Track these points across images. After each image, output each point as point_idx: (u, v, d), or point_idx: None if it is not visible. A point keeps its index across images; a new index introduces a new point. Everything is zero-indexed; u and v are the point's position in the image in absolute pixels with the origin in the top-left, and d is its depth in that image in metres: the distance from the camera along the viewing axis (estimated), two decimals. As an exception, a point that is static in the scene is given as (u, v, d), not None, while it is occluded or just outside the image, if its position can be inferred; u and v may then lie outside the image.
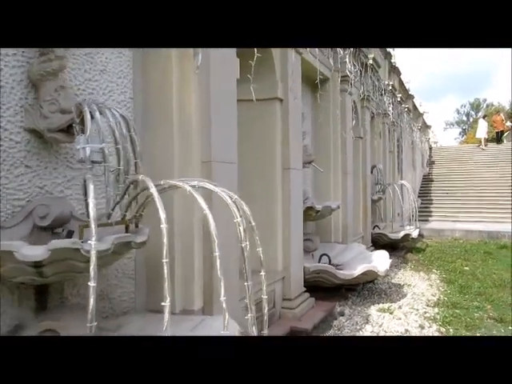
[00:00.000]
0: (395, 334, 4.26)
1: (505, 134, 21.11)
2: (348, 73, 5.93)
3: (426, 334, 4.31)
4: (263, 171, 4.08)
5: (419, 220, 14.39)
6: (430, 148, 23.18)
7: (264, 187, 4.08)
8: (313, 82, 5.94)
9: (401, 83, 13.44)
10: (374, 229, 8.61)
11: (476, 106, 49.57)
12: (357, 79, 6.39)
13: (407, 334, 4.31)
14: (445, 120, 53.17)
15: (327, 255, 5.25)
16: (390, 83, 9.38)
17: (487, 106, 47.70)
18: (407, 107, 12.09)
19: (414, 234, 8.50)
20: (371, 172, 8.65)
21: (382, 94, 8.66)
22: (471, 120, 48.84)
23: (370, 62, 7.24)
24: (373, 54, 7.35)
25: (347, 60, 5.87)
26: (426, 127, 23.35)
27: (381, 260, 5.27)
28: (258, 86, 4.02)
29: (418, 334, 4.31)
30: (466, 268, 7.52)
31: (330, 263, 5.22)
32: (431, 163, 20.62)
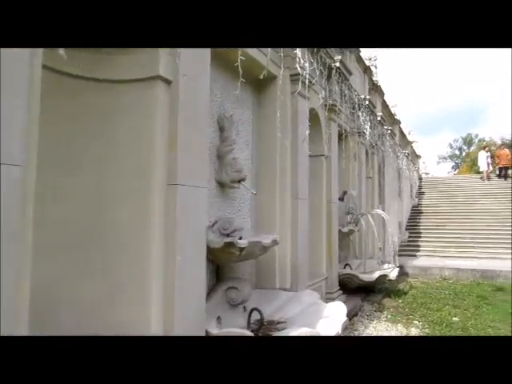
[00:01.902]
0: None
1: (510, 171, 18.82)
2: (299, 69, 4.62)
3: None
4: (132, 187, 2.67)
5: (406, 255, 12.97)
6: (420, 178, 21.96)
7: (132, 212, 2.66)
8: (254, 80, 4.64)
9: (385, 105, 12.27)
10: (345, 267, 7.15)
11: (468, 141, 51.81)
12: (315, 80, 5.08)
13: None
14: (438, 154, 54.17)
15: (258, 310, 3.77)
16: (367, 97, 8.12)
17: (479, 140, 49.35)
18: (390, 129, 10.84)
19: (392, 274, 7.04)
20: (341, 199, 7.27)
21: (354, 108, 7.38)
22: (464, 154, 50.29)
23: (337, 64, 5.97)
24: (340, 56, 6.09)
25: (297, 52, 4.57)
26: (415, 156, 22.24)
27: (332, 318, 3.80)
28: (129, 61, 2.68)
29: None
30: (456, 318, 6.04)
31: (261, 321, 3.75)
32: (421, 194, 19.36)
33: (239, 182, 4.07)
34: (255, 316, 3.90)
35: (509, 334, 5.46)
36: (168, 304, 2.66)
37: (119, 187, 2.65)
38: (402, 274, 10.11)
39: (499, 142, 31.10)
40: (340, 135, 7.15)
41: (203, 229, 3.03)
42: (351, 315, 5.86)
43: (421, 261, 11.73)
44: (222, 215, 4.12)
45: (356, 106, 7.34)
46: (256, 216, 4.74)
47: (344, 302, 6.30)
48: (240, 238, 3.73)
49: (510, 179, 18.15)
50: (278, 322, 4.08)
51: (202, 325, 2.93)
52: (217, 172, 4.05)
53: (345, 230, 6.87)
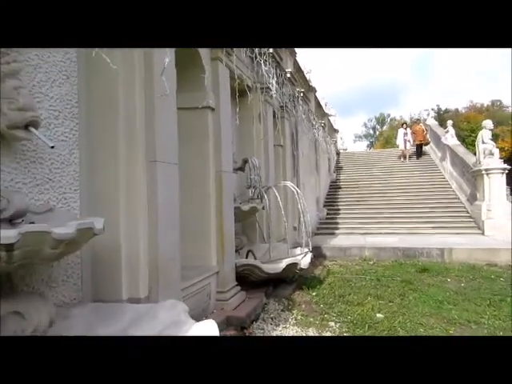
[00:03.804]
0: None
1: (425, 149, 18.12)
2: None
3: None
4: None
5: (324, 234, 11.93)
6: (338, 153, 21.32)
7: None
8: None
9: (297, 67, 10.91)
10: (247, 255, 5.68)
11: (381, 121, 54.01)
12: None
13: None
14: (354, 133, 56.59)
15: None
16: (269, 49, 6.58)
17: (391, 120, 52.39)
18: (303, 92, 9.50)
19: (304, 262, 5.66)
20: (241, 169, 5.76)
21: (253, 53, 5.81)
22: (377, 133, 53.35)
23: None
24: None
25: None
26: (333, 131, 21.53)
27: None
28: None
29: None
30: (380, 315, 4.82)
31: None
32: (339, 169, 18.64)
33: (26, 128, 2.33)
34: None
35: (443, 330, 4.34)
36: None
37: None
38: (320, 256, 8.97)
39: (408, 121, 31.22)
40: (239, 89, 5.59)
41: None
42: (250, 321, 4.40)
43: (340, 240, 10.71)
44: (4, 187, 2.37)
45: (255, 50, 5.78)
46: (90, 189, 3.03)
47: (243, 301, 4.84)
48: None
49: (425, 156, 17.69)
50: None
51: None
52: (-16, 110, 2.27)
53: (245, 207, 5.37)
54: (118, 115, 3.02)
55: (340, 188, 15.89)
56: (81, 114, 3.00)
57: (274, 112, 7.37)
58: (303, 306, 5.20)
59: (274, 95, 6.74)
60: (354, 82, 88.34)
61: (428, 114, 21.47)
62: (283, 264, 5.12)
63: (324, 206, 14.20)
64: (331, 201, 14.69)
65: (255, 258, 5.54)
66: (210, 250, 4.45)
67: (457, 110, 38.94)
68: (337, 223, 12.75)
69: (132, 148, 3.07)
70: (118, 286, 3.00)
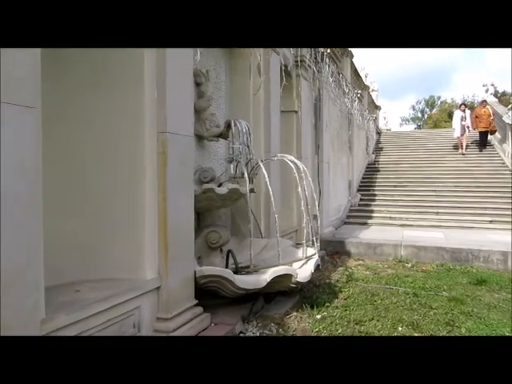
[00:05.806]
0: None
1: (489, 138, 14.22)
2: None
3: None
4: None
5: (354, 223, 10.11)
6: (379, 133, 19.10)
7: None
8: None
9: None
10: (227, 258, 4.04)
11: (431, 104, 51.67)
12: None
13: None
14: (401, 116, 53.66)
15: None
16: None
17: (441, 102, 49.21)
18: (329, 53, 7.61)
19: (303, 272, 3.91)
20: (224, 136, 4.09)
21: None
22: (426, 116, 50.08)
23: None
24: None
25: None
26: (374, 107, 19.29)
27: None
28: None
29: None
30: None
31: None
32: (379, 150, 16.51)
33: None
34: None
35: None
36: None
37: None
38: (343, 253, 7.22)
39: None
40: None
41: None
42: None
43: (372, 232, 8.86)
44: None
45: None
46: None
47: (203, 331, 3.27)
48: None
49: (489, 148, 14.53)
50: None
51: None
52: None
53: (222, 190, 3.72)
54: None
55: (378, 171, 13.86)
56: None
57: (284, 66, 5.61)
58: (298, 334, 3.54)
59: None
60: (403, 63, 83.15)
61: (487, 91, 18.33)
62: (267, 276, 3.43)
63: (358, 190, 12.31)
64: (367, 185, 12.75)
65: (236, 263, 3.90)
66: (143, 254, 2.85)
67: (515, 92, 35.26)
68: (371, 211, 10.87)
69: None
70: None
